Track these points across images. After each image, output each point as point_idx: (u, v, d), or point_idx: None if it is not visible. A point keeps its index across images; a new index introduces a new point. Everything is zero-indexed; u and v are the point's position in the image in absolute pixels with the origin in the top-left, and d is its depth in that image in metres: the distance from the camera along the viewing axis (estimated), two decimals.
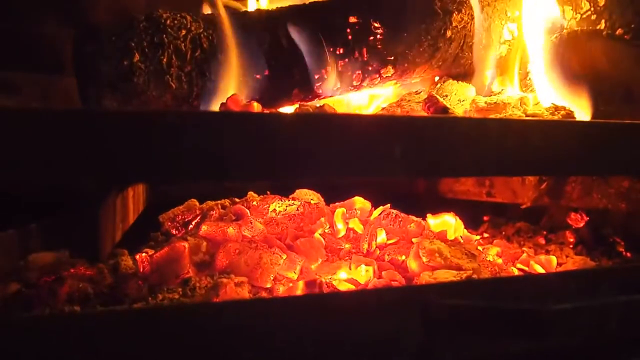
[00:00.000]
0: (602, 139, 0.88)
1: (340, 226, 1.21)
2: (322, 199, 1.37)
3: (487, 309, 0.74)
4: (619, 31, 1.32)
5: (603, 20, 1.35)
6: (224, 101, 1.09)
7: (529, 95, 1.33)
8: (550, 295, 0.81)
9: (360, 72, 1.25)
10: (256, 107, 1.09)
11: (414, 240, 1.13)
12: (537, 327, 0.74)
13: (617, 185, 1.24)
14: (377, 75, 1.28)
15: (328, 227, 1.20)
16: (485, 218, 1.58)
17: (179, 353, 0.66)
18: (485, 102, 1.24)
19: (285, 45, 1.19)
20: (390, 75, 1.29)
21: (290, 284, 1.01)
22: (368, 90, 1.37)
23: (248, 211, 1.20)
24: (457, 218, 1.31)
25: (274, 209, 1.23)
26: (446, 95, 1.30)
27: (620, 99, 1.27)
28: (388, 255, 1.11)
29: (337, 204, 1.32)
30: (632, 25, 1.30)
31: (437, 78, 1.44)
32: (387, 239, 1.16)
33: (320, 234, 1.16)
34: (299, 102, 1.25)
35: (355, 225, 1.22)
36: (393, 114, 1.20)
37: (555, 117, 1.12)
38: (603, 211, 1.31)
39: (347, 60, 1.23)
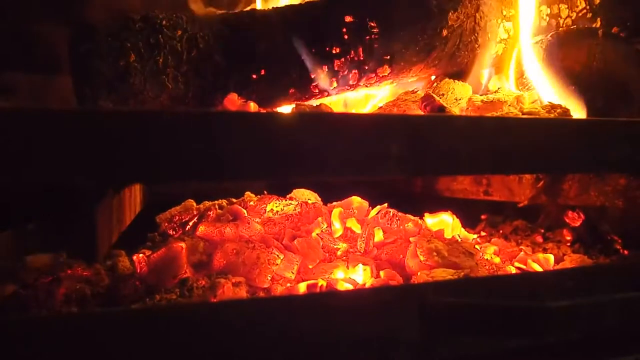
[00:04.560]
0: (599, 136, 0.88)
1: (337, 226, 1.21)
2: (320, 199, 1.37)
3: (485, 307, 0.74)
4: (615, 29, 1.32)
5: (599, 19, 1.35)
6: (221, 101, 1.09)
7: (525, 93, 1.33)
8: (547, 293, 0.81)
9: (356, 71, 1.25)
10: (253, 106, 1.09)
11: (411, 239, 1.13)
12: (535, 325, 0.74)
13: (613, 183, 1.24)
14: (374, 75, 1.28)
15: (325, 226, 1.20)
16: (482, 217, 1.58)
17: (177, 353, 0.66)
18: (482, 101, 1.24)
19: (282, 44, 1.19)
20: (386, 74, 1.29)
21: (288, 284, 1.01)
22: (364, 90, 1.37)
23: (245, 211, 1.20)
24: (455, 217, 1.31)
25: (271, 209, 1.23)
26: (443, 94, 1.30)
27: (616, 97, 1.27)
28: (386, 254, 1.11)
29: (334, 203, 1.32)
30: (628, 23, 1.31)
31: (433, 77, 1.44)
32: (385, 238, 1.17)
33: (317, 234, 1.15)
34: (295, 102, 1.24)
35: (353, 224, 1.22)
36: (390, 113, 1.20)
37: (552, 115, 1.12)
38: (600, 209, 1.31)
39: (343, 59, 1.23)
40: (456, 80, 1.36)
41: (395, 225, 1.19)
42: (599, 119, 1.00)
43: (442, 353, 0.76)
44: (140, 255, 1.01)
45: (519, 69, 1.46)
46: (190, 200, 1.27)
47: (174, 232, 1.22)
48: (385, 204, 1.28)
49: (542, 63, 1.35)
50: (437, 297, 0.75)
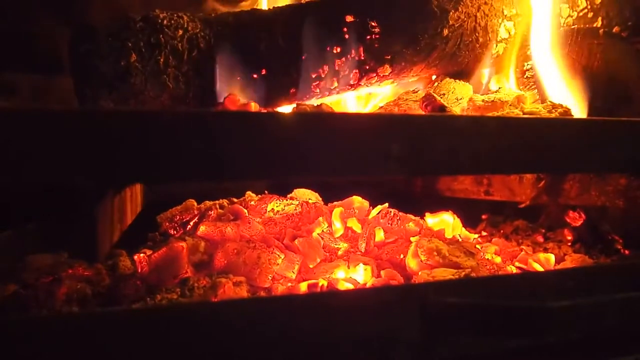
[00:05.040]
0: (600, 136, 0.88)
1: (338, 225, 1.21)
2: (320, 199, 1.37)
3: (485, 307, 0.74)
4: (616, 29, 1.32)
5: (600, 18, 1.35)
6: (221, 101, 1.09)
7: (526, 93, 1.33)
8: (548, 293, 0.81)
9: (357, 71, 1.25)
10: (253, 106, 1.09)
11: (412, 239, 1.13)
12: (535, 325, 0.74)
13: (614, 183, 1.24)
14: (374, 74, 1.28)
15: (326, 226, 1.20)
16: (483, 216, 1.58)
17: (177, 353, 0.66)
18: (483, 101, 1.24)
19: (282, 44, 1.19)
20: (387, 74, 1.29)
21: (289, 284, 1.01)
22: (365, 89, 1.37)
23: (246, 211, 1.20)
24: (455, 216, 1.31)
25: (272, 208, 1.23)
26: (443, 94, 1.30)
27: (617, 96, 1.27)
28: (386, 254, 1.11)
29: (335, 203, 1.32)
30: (629, 23, 1.31)
31: (434, 77, 1.44)
32: (386, 238, 1.17)
33: (318, 234, 1.16)
34: (296, 102, 1.24)
35: (354, 224, 1.22)
36: (390, 113, 1.20)
37: (553, 115, 1.12)
38: (601, 209, 1.31)
39: (344, 59, 1.23)
40: (457, 80, 1.36)
41: (396, 225, 1.19)
42: (600, 118, 1.00)
43: (442, 353, 0.75)
44: (141, 254, 1.01)
45: (520, 68, 1.46)
46: (191, 200, 1.27)
47: (174, 232, 1.22)
48: (386, 204, 1.29)
49: (544, 62, 1.35)
50: (437, 297, 0.75)
